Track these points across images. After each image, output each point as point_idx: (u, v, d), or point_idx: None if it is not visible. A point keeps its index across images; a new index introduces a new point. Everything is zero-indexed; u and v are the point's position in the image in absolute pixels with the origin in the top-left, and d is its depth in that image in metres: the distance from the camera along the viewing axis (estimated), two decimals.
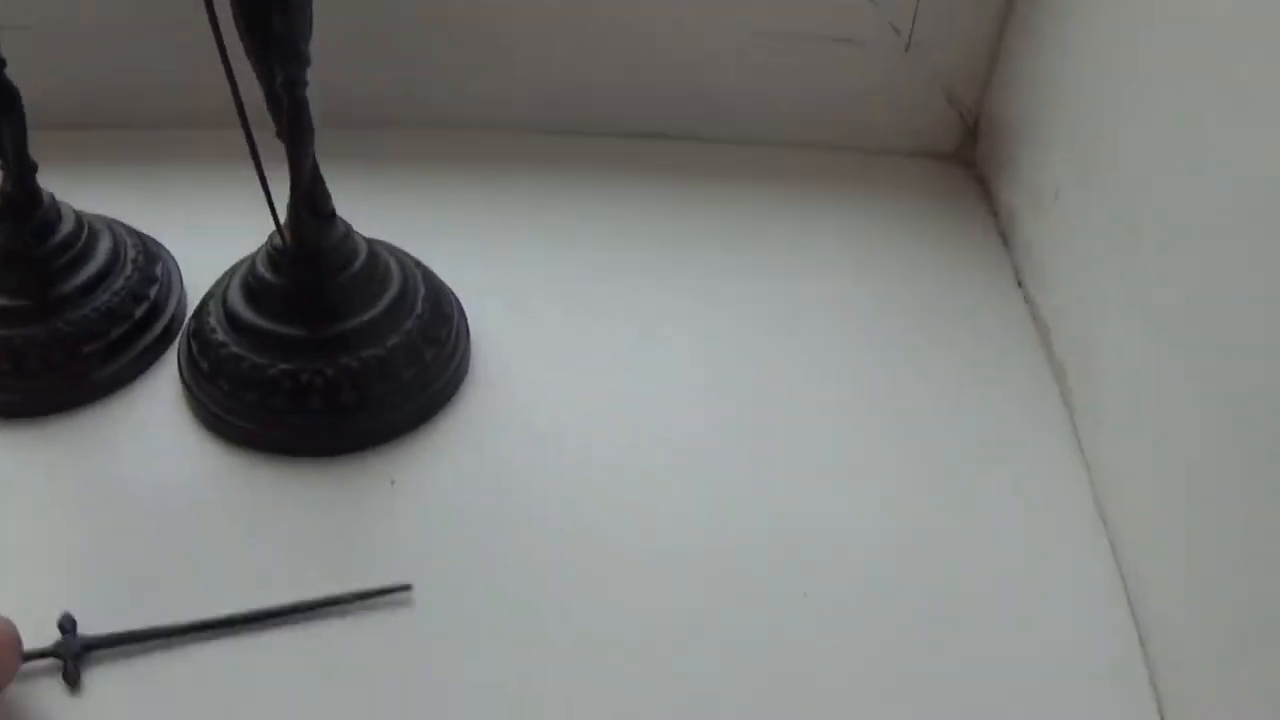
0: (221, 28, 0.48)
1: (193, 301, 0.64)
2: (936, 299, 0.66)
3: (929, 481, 0.58)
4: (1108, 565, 0.54)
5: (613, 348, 0.64)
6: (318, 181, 0.56)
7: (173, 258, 0.66)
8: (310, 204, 0.56)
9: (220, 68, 0.48)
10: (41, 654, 0.51)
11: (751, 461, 0.59)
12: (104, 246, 0.62)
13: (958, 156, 0.74)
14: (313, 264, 0.58)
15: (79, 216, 0.62)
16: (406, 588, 0.53)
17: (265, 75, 0.52)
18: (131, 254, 0.63)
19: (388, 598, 0.53)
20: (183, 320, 0.64)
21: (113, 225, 0.65)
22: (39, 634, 0.51)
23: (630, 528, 0.56)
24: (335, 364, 0.57)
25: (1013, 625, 0.53)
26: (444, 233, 0.69)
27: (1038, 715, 0.50)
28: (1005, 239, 0.68)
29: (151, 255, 0.64)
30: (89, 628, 0.51)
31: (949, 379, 0.62)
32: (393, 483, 0.57)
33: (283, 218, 0.57)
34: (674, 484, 0.58)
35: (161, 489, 0.58)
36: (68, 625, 0.52)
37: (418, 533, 0.56)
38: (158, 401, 0.61)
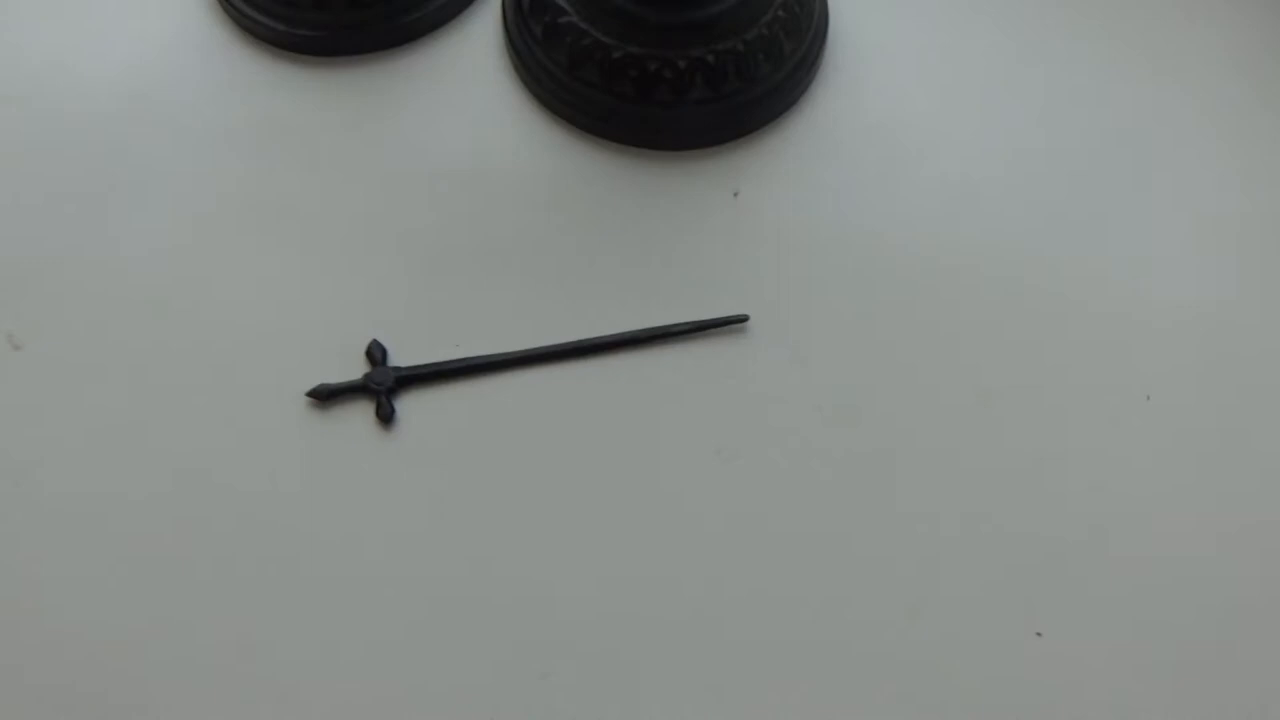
0: None
1: None
2: None
3: None
4: None
5: (986, 55, 0.56)
6: None
7: None
8: None
9: None
10: (350, 388, 0.48)
11: (1103, 215, 0.52)
12: None
13: None
14: None
15: None
16: (743, 318, 0.49)
17: None
18: None
19: (722, 328, 0.49)
20: None
21: None
22: (347, 354, 0.48)
23: (981, 262, 0.51)
24: (687, 55, 0.51)
25: None
26: None
27: None
28: None
29: None
30: (393, 337, 0.48)
31: None
32: (736, 194, 0.52)
33: None
34: (1034, 217, 0.52)
35: (476, 159, 0.53)
36: (377, 355, 0.48)
37: (758, 252, 0.51)
38: (475, 53, 0.55)
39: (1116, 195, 0.53)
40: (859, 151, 0.53)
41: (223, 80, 0.54)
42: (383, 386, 0.47)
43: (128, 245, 0.51)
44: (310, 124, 0.53)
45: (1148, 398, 0.48)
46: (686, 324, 0.49)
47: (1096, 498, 0.46)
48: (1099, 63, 0.56)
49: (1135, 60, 0.56)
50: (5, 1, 0.57)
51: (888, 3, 0.57)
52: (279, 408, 0.47)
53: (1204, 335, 0.50)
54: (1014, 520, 0.46)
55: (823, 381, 0.48)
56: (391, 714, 0.42)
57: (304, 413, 0.47)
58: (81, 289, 0.50)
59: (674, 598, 0.45)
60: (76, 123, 0.53)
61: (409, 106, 0.54)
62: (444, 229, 0.51)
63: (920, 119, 0.54)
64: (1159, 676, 0.44)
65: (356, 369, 0.48)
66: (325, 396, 0.47)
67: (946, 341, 0.49)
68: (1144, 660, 0.44)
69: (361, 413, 0.47)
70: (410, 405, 0.48)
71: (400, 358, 0.48)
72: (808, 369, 0.49)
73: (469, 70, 0.54)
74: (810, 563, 0.45)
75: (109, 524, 0.45)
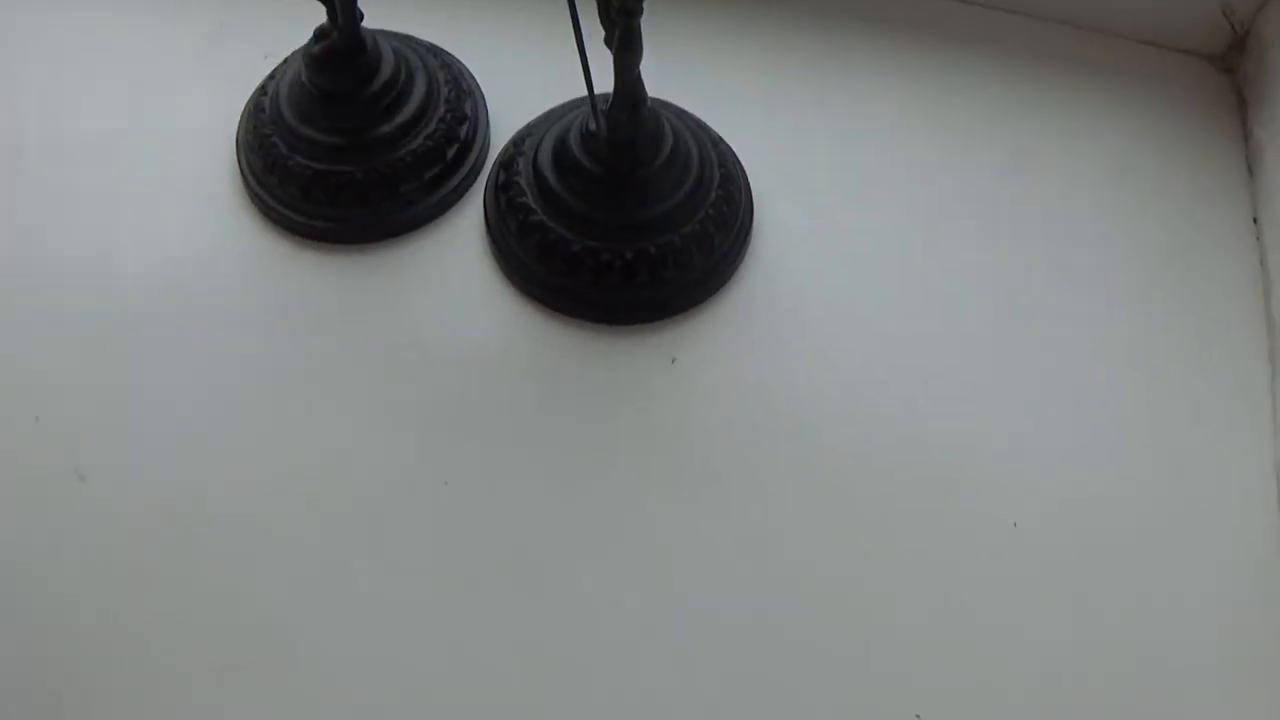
0: None
1: (496, 135, 0.69)
2: (1170, 220, 0.68)
3: (1130, 423, 0.62)
4: None
5: (896, 244, 0.67)
6: (638, 84, 0.60)
7: (479, 87, 0.70)
8: (630, 105, 0.60)
9: None
10: None
11: (983, 380, 0.63)
12: (420, 88, 0.67)
13: (1223, 61, 0.74)
14: (625, 155, 0.62)
15: (398, 57, 0.66)
16: None
17: None
18: (445, 92, 0.67)
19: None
20: (486, 156, 0.69)
21: (426, 60, 0.68)
22: None
23: (879, 420, 0.62)
24: (634, 247, 0.63)
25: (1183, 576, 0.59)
26: (739, 100, 0.72)
27: None
28: (1251, 169, 0.70)
29: (463, 90, 0.68)
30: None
31: (1164, 310, 0.65)
32: (673, 361, 0.63)
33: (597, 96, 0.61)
34: (932, 394, 0.62)
35: (457, 335, 0.64)
36: None
37: (691, 409, 0.62)
38: (462, 242, 0.67)
39: (1008, 368, 0.63)
40: (777, 326, 0.65)
41: (250, 263, 0.66)
42: None
43: (167, 408, 0.62)
44: (322, 303, 0.65)
45: (1015, 525, 0.59)
46: None
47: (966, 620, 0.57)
48: (1006, 258, 0.67)
49: (1041, 248, 0.67)
50: (45, 202, 0.68)
51: (805, 202, 0.69)
52: None
53: (1069, 472, 0.60)
54: (887, 647, 0.56)
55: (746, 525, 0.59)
56: None
57: None
58: (138, 435, 0.61)
59: None
60: (125, 298, 0.65)
61: (405, 288, 0.65)
62: (423, 397, 0.62)
63: (831, 301, 0.65)
64: None
65: None
66: None
67: (842, 491, 0.60)
68: None
69: None
70: None
71: None
72: (710, 515, 0.59)
73: (456, 257, 0.66)
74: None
75: None
